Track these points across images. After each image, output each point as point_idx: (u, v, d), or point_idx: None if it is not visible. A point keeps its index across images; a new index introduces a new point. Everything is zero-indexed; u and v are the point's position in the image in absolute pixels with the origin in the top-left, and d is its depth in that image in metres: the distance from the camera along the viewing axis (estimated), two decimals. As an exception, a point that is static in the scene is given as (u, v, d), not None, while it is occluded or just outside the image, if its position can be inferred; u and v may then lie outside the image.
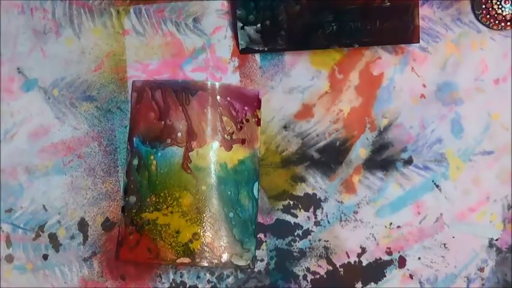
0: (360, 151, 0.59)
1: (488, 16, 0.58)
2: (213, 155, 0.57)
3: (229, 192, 0.57)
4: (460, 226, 0.59)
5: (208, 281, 0.59)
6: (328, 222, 0.59)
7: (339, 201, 0.59)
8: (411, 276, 0.59)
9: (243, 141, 0.58)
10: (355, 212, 0.59)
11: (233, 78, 0.59)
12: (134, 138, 0.58)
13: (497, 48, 0.59)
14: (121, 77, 0.59)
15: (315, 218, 0.59)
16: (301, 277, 0.59)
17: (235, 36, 0.59)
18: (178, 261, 0.56)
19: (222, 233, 0.56)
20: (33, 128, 0.59)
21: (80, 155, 0.59)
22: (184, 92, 0.57)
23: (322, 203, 0.59)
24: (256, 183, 0.58)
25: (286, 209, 0.59)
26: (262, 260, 0.59)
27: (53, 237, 0.59)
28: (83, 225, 0.59)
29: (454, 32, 0.59)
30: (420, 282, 0.59)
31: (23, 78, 0.59)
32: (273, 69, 0.59)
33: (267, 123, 0.59)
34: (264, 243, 0.59)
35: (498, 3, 0.58)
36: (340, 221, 0.59)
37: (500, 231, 0.59)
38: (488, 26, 0.59)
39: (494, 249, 0.59)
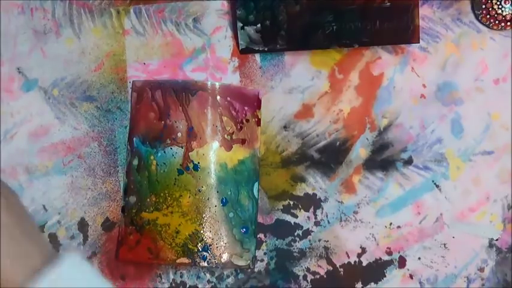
0: (360, 151, 0.59)
1: (488, 16, 0.58)
2: (213, 155, 0.57)
3: (229, 192, 0.57)
4: (460, 226, 0.59)
5: (208, 281, 0.59)
6: (328, 222, 0.59)
7: (339, 201, 0.59)
8: (411, 276, 0.59)
9: (243, 141, 0.58)
10: (355, 212, 0.59)
11: (233, 78, 0.59)
12: (134, 138, 0.58)
13: (497, 48, 0.59)
14: (121, 77, 0.59)
15: (315, 218, 0.59)
16: (301, 277, 0.59)
17: (235, 36, 0.59)
18: (178, 261, 0.56)
19: (222, 233, 0.56)
20: (33, 128, 0.59)
21: (80, 155, 0.59)
22: (184, 92, 0.57)
23: (322, 203, 0.59)
24: (256, 183, 0.58)
25: (286, 209, 0.59)
26: (262, 260, 0.59)
27: (53, 237, 0.59)
28: (83, 225, 0.59)
29: (454, 32, 0.59)
30: (420, 282, 0.59)
31: (23, 78, 0.59)
32: (273, 69, 0.59)
33: (267, 123, 0.59)
34: (264, 243, 0.59)
35: (498, 3, 0.58)
36: (340, 221, 0.59)
37: (500, 231, 0.59)
38: (488, 26, 0.59)
39: (494, 249, 0.59)
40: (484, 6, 0.58)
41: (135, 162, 0.57)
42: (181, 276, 0.59)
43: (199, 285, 0.59)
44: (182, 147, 0.57)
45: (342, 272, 0.59)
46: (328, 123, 0.59)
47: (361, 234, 0.59)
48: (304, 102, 0.59)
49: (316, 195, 0.59)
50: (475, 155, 0.59)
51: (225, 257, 0.56)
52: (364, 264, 0.59)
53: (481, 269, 0.59)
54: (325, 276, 0.59)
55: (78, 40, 0.59)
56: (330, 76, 0.59)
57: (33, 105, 0.59)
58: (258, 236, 0.59)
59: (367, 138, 0.59)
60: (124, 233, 0.57)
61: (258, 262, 0.59)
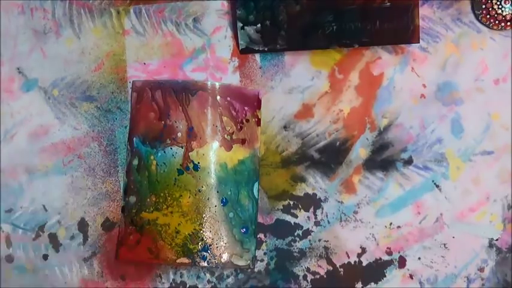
0: (360, 151, 0.59)
1: (488, 16, 0.58)
2: (213, 155, 0.57)
3: (229, 192, 0.57)
4: (460, 226, 0.59)
5: (208, 281, 0.59)
6: (328, 222, 0.59)
7: (339, 201, 0.59)
8: (411, 276, 0.59)
9: (243, 141, 0.58)
10: (355, 212, 0.59)
11: (233, 78, 0.59)
12: (134, 138, 0.58)
13: (497, 48, 0.59)
14: (121, 77, 0.59)
15: (315, 218, 0.59)
16: (301, 277, 0.59)
17: (235, 36, 0.59)
18: (178, 261, 0.56)
19: (222, 233, 0.56)
20: (33, 128, 0.59)
21: (80, 155, 0.59)
22: (184, 92, 0.57)
23: (322, 203, 0.59)
24: (256, 183, 0.58)
25: (286, 209, 0.59)
26: (262, 260, 0.59)
27: (53, 237, 0.59)
28: (83, 225, 0.59)
29: (454, 32, 0.59)
30: (420, 282, 0.59)
31: (23, 78, 0.59)
32: (273, 69, 0.59)
33: (267, 123, 0.59)
34: (264, 243, 0.59)
35: (498, 3, 0.58)
36: (340, 221, 0.59)
37: (500, 231, 0.59)
38: (488, 26, 0.59)
39: (494, 249, 0.59)
40: (484, 6, 0.58)
41: (135, 162, 0.57)
42: (181, 276, 0.59)
43: (199, 285, 0.59)
44: (182, 147, 0.57)
45: (342, 272, 0.59)
46: (328, 123, 0.59)
47: (361, 234, 0.59)
48: (304, 102, 0.59)
49: (316, 195, 0.59)
50: (475, 155, 0.59)
51: (225, 257, 0.56)
52: (364, 264, 0.59)
53: (481, 269, 0.59)
54: (325, 276, 0.59)
55: (78, 40, 0.59)
56: (330, 76, 0.59)
57: (33, 105, 0.59)
58: (258, 236, 0.59)
59: (367, 138, 0.59)
60: (124, 233, 0.57)
61: (258, 262, 0.59)
